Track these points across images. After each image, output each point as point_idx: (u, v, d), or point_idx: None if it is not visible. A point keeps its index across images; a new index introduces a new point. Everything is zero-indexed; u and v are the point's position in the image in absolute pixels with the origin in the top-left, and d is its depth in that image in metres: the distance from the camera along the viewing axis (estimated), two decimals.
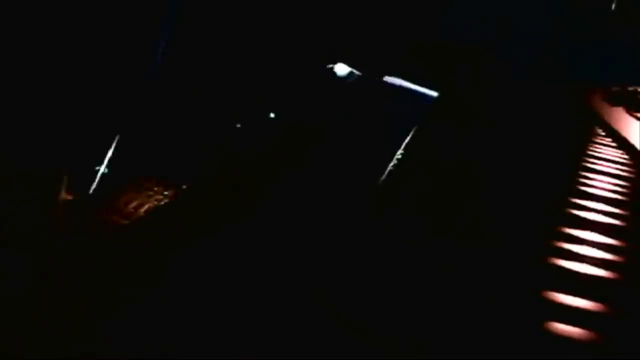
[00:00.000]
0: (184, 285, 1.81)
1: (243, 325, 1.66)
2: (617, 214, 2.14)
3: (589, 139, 2.81)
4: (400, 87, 2.84)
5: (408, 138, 2.53)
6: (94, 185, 2.22)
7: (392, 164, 2.30)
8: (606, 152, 2.69)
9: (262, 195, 2.15)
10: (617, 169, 2.55)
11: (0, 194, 2.07)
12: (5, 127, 2.28)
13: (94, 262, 1.87)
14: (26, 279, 1.77)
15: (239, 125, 2.26)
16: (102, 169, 2.02)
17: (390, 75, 2.83)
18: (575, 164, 2.53)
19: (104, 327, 1.58)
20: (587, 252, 1.92)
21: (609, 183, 2.40)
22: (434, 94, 3.01)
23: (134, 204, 2.26)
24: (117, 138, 2.38)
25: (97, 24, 2.48)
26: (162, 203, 2.27)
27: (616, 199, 2.26)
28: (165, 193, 2.32)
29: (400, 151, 2.41)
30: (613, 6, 2.85)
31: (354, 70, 2.53)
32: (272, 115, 2.39)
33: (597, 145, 2.74)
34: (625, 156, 2.68)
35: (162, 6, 2.65)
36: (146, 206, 2.25)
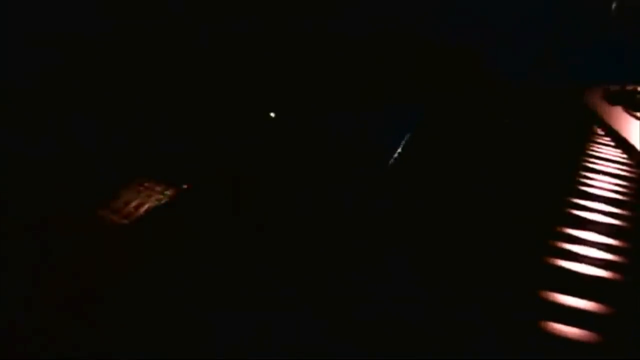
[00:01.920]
0: (183, 285, 1.81)
1: (241, 327, 1.66)
2: (617, 214, 2.15)
3: (588, 139, 2.81)
4: None
5: (405, 139, 2.53)
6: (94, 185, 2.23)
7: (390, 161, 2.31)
8: (606, 152, 2.69)
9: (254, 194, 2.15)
10: (616, 168, 2.55)
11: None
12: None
13: (93, 261, 1.87)
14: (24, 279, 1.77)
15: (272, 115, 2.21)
16: None
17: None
18: (575, 163, 2.53)
19: (103, 325, 1.59)
20: (587, 253, 1.92)
21: (609, 183, 2.40)
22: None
23: (134, 203, 2.25)
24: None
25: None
26: (162, 202, 2.27)
27: (616, 199, 2.27)
28: (166, 193, 2.31)
29: (398, 150, 2.41)
30: (613, 6, 2.85)
31: None
32: (272, 114, 2.38)
33: (596, 145, 2.75)
34: (625, 155, 2.69)
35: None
36: (146, 206, 2.25)
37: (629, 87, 3.23)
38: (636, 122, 2.93)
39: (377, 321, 1.63)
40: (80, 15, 2.38)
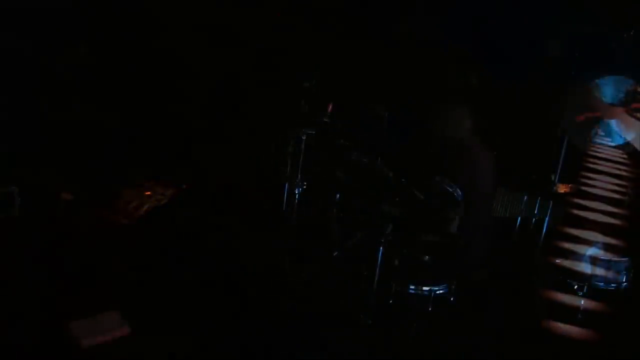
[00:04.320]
0: (183, 284, 1.81)
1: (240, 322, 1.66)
2: (617, 213, 2.14)
3: (588, 139, 2.80)
4: None
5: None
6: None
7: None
8: (606, 152, 2.69)
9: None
10: (616, 168, 2.55)
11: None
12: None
13: (94, 259, 1.87)
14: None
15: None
16: None
17: None
18: (575, 163, 2.53)
19: (101, 322, 1.58)
20: (587, 252, 1.92)
21: (609, 183, 2.40)
22: None
23: (134, 203, 2.26)
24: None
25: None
26: (162, 203, 2.27)
27: (616, 199, 2.26)
28: (166, 193, 2.32)
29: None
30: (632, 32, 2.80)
31: None
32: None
33: (597, 145, 2.74)
34: (625, 155, 2.68)
35: None
36: (146, 206, 2.25)
37: (629, 87, 3.21)
38: (636, 122, 2.92)
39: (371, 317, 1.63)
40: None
